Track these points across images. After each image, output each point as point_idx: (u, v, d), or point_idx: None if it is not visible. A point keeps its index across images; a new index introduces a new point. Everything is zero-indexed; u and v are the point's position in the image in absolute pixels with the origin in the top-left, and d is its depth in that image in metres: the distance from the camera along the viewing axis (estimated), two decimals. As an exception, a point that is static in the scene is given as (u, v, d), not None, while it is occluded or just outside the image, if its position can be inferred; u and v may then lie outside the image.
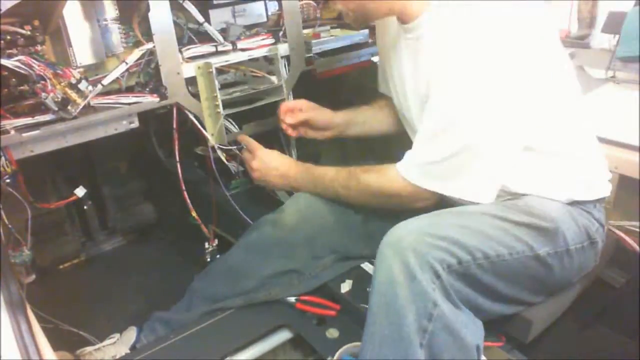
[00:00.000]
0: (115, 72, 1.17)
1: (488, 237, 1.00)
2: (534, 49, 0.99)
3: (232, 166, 1.47)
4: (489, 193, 1.06)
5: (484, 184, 1.06)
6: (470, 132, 1.00)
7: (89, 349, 1.36)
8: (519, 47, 0.97)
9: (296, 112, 1.39)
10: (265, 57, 1.42)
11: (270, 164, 1.33)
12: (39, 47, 1.09)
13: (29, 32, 1.06)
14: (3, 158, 1.06)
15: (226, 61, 1.32)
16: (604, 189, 1.16)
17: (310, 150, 1.94)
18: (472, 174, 1.04)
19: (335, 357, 1.14)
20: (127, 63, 1.18)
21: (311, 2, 1.52)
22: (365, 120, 1.44)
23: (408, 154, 1.11)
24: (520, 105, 0.99)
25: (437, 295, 0.93)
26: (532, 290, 1.09)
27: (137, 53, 1.19)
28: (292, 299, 1.30)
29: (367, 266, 1.37)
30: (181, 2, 1.27)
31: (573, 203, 1.10)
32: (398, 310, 0.93)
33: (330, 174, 1.25)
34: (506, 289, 1.04)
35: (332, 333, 1.22)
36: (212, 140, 1.36)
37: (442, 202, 1.10)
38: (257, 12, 1.47)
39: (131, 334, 1.37)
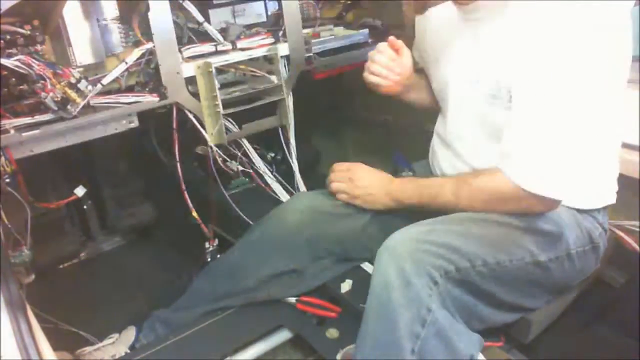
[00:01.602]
0: (114, 71, 1.17)
1: (487, 244, 1.00)
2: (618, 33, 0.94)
3: (232, 166, 1.46)
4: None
5: (581, 185, 1.01)
6: (579, 126, 0.94)
7: (88, 349, 1.36)
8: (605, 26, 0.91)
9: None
10: (265, 57, 1.42)
11: (370, 184, 1.21)
12: (38, 47, 1.08)
13: (28, 32, 1.06)
14: (3, 158, 1.06)
15: (226, 61, 1.32)
16: (612, 197, 1.15)
17: (310, 149, 1.94)
18: (574, 175, 0.99)
19: (338, 358, 1.14)
20: (126, 62, 1.18)
21: (311, 1, 1.52)
22: (422, 87, 1.36)
23: (510, 160, 0.99)
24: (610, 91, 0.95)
25: (432, 302, 0.93)
26: (532, 295, 1.08)
27: (136, 53, 1.19)
28: (293, 300, 1.30)
29: (367, 266, 1.37)
30: (181, 2, 1.27)
31: (580, 210, 1.10)
32: (391, 314, 0.93)
33: (436, 182, 1.14)
34: (506, 295, 1.04)
35: (332, 333, 1.22)
36: (211, 140, 1.36)
37: None
38: (256, 11, 1.47)
39: (130, 334, 1.37)
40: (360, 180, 1.23)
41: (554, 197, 0.98)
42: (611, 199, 1.15)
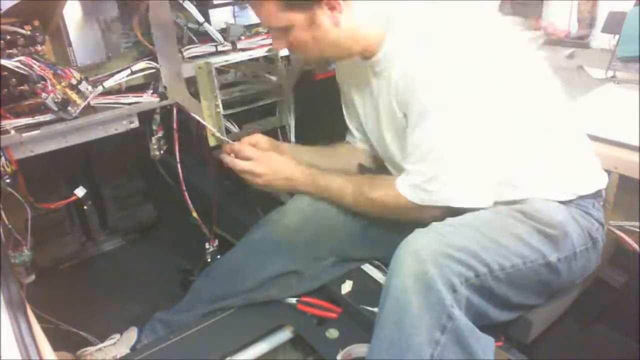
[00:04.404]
0: (117, 76, 1.16)
1: (503, 247, 1.00)
2: (500, 57, 1.02)
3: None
4: (487, 197, 1.07)
5: (479, 189, 1.07)
6: (454, 149, 1.03)
7: (90, 349, 1.36)
8: (485, 59, 1.00)
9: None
10: (265, 57, 1.42)
11: (275, 167, 1.26)
12: (39, 47, 1.08)
13: (29, 32, 1.06)
14: (3, 158, 1.06)
15: (226, 61, 1.32)
16: (599, 182, 1.16)
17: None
18: (463, 183, 1.06)
19: (338, 358, 1.14)
20: (132, 71, 1.18)
21: (311, 2, 1.52)
22: (314, 152, 1.41)
23: (401, 177, 1.13)
24: (495, 113, 1.02)
25: (453, 309, 0.92)
26: (538, 295, 1.09)
27: (143, 65, 1.19)
28: (294, 300, 1.29)
29: (367, 267, 1.37)
30: (181, 2, 1.27)
31: (572, 202, 1.11)
32: (411, 319, 0.92)
33: (336, 185, 1.24)
34: (516, 297, 1.04)
35: (332, 333, 1.22)
36: (211, 141, 1.36)
37: (451, 211, 1.09)
38: (257, 12, 1.46)
39: (132, 334, 1.37)
40: (267, 162, 1.26)
41: (437, 205, 1.08)
42: (599, 185, 1.15)
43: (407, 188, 1.10)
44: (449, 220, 1.05)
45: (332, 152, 1.43)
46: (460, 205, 1.06)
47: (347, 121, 1.43)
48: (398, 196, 1.12)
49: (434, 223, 1.03)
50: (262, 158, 1.27)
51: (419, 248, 0.96)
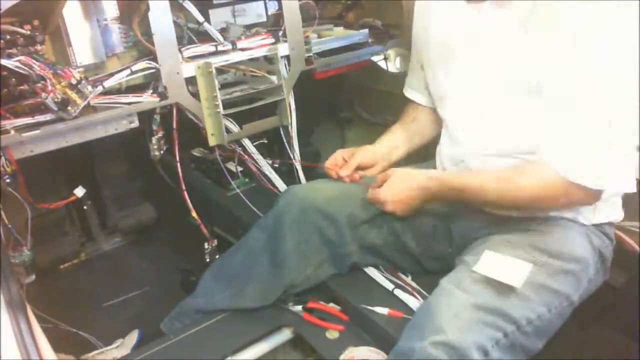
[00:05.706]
0: (117, 76, 1.17)
1: (528, 299, 0.97)
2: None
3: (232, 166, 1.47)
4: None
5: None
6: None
7: (92, 353, 1.36)
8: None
9: (344, 162, 1.33)
10: (265, 57, 1.42)
11: (396, 186, 1.16)
12: (38, 47, 1.08)
13: (28, 32, 1.06)
14: (3, 158, 1.06)
15: (226, 61, 1.32)
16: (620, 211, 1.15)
17: (310, 149, 1.94)
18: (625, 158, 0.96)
19: (341, 358, 1.14)
20: (132, 70, 1.18)
21: (311, 1, 1.52)
22: (404, 141, 1.38)
23: (561, 150, 0.97)
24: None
25: None
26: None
27: (143, 64, 1.19)
28: (299, 307, 1.28)
29: (367, 267, 1.36)
30: (181, 2, 1.27)
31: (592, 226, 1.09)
32: None
33: (474, 182, 1.08)
34: (543, 341, 1.02)
35: (332, 333, 1.22)
36: (211, 141, 1.36)
37: None
38: (257, 11, 1.47)
39: (133, 337, 1.37)
40: (393, 188, 1.17)
41: (600, 188, 0.97)
42: (620, 212, 1.15)
43: (573, 164, 0.95)
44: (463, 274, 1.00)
45: (414, 127, 1.39)
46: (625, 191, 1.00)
47: (417, 79, 1.36)
48: (553, 178, 0.97)
49: (464, 280, 0.98)
50: (383, 185, 1.18)
51: (449, 320, 0.91)
